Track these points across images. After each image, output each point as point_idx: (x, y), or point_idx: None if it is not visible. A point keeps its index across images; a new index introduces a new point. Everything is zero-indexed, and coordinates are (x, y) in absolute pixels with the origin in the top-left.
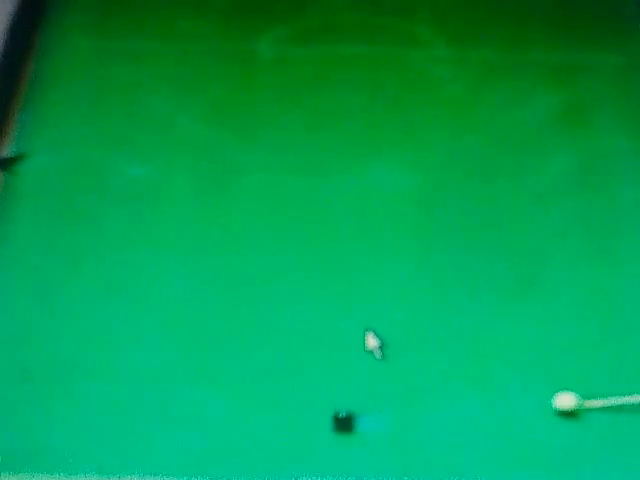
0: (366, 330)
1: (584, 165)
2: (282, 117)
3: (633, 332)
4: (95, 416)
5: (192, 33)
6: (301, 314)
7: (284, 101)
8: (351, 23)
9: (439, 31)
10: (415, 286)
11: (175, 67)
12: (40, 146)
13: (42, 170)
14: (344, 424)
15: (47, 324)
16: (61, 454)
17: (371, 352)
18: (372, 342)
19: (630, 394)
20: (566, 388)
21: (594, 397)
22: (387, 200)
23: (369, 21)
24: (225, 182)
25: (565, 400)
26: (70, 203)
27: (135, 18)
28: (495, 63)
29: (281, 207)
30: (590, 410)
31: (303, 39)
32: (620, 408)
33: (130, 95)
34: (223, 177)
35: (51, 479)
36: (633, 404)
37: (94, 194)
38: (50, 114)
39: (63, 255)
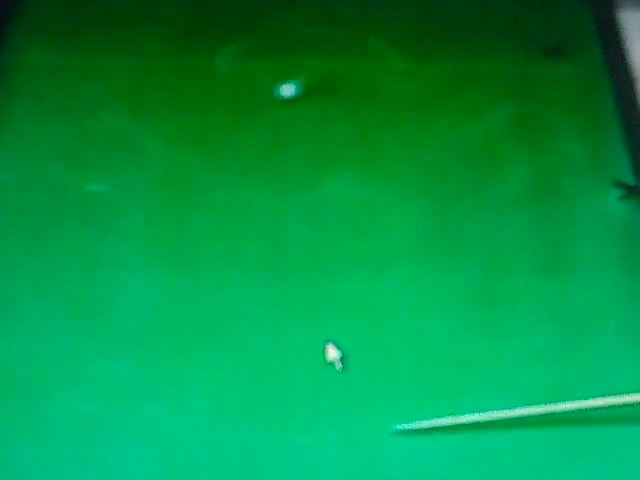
0: (326, 341)
1: (540, 175)
2: (238, 131)
3: (586, 342)
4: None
5: (149, 49)
6: (265, 326)
7: (240, 115)
8: (306, 37)
9: (394, 45)
10: (370, 296)
11: (133, 83)
12: None
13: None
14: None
15: (5, 342)
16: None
17: (331, 363)
18: (332, 353)
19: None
20: (524, 401)
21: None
22: (344, 214)
23: (324, 35)
24: (183, 198)
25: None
26: (27, 219)
27: (93, 35)
28: (449, 76)
29: (240, 222)
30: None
31: (259, 53)
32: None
33: (87, 111)
34: (181, 193)
35: None
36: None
37: (52, 210)
38: (8, 130)
39: (22, 271)
